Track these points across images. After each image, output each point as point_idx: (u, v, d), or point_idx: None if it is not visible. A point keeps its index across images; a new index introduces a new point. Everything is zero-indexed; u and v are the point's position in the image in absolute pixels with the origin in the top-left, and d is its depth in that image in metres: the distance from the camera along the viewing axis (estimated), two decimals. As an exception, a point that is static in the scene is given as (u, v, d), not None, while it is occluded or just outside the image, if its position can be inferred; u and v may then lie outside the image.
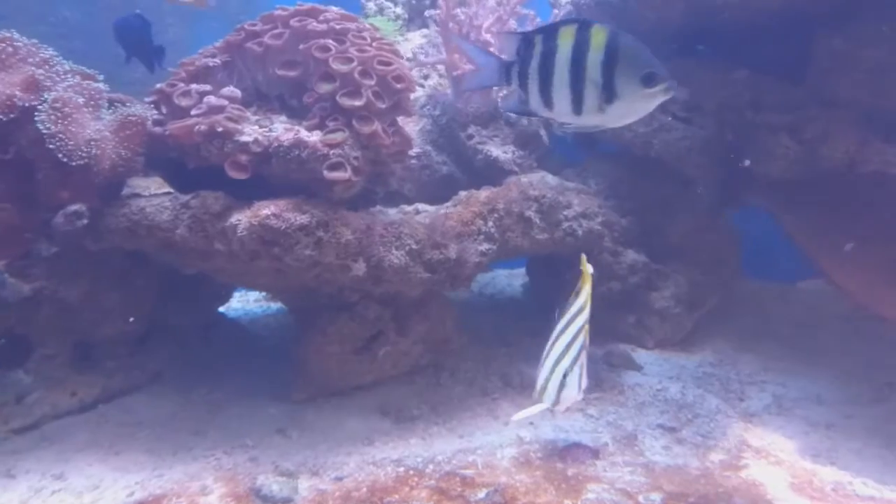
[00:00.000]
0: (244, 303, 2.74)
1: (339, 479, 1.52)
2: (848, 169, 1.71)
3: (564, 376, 1.31)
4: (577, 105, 1.17)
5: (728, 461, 1.59)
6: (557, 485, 1.50)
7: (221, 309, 2.48)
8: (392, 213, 1.85)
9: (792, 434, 1.70)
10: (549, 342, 1.35)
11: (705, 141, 1.95)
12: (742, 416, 1.79)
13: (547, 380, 1.32)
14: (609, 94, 1.13)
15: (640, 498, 1.46)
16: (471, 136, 2.05)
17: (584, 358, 1.36)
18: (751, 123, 1.88)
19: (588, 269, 1.41)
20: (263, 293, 2.54)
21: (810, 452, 1.61)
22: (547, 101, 1.20)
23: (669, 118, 2.01)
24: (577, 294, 1.39)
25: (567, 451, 1.64)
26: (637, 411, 1.84)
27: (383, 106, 1.57)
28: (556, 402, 1.33)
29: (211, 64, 1.65)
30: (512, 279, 2.88)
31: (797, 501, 1.42)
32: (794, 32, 1.86)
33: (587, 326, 1.36)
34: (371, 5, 2.51)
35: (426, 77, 2.33)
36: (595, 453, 1.64)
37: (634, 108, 1.17)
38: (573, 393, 1.33)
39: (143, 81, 2.09)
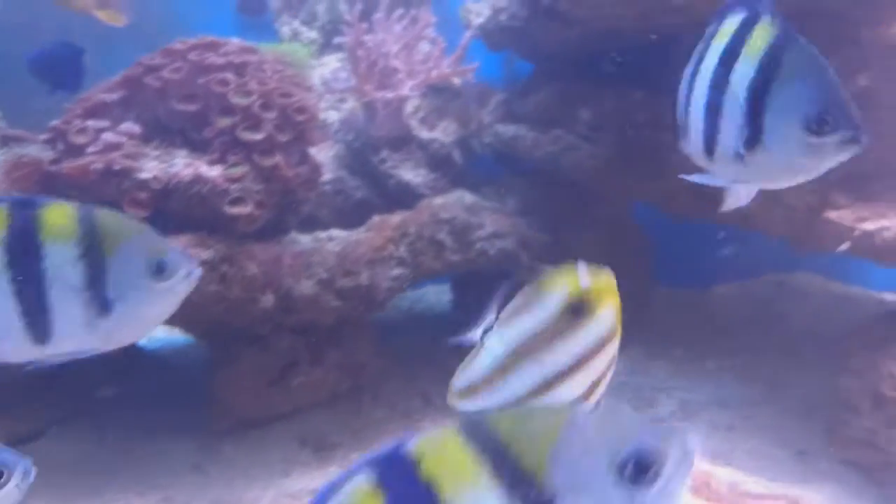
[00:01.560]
0: (169, 331, 2.68)
1: (254, 513, 1.52)
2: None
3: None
4: (710, 143, 0.82)
5: (636, 469, 1.66)
6: (471, 503, 1.54)
7: (142, 341, 2.43)
8: (305, 240, 1.86)
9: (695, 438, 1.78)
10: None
11: (608, 159, 2.03)
12: (650, 423, 1.87)
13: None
14: (752, 133, 0.76)
15: (550, 511, 1.51)
16: (383, 161, 2.08)
17: None
18: (649, 141, 1.97)
19: None
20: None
21: (710, 455, 1.69)
22: (684, 128, 0.86)
23: (574, 137, 2.08)
24: None
25: (483, 469, 1.68)
26: (554, 424, 1.90)
27: (285, 138, 1.59)
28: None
29: (108, 99, 1.63)
30: (441, 295, 2.91)
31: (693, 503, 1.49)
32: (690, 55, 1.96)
33: None
34: (285, 30, 2.52)
35: (342, 101, 2.35)
36: (511, 469, 1.68)
37: (791, 161, 0.77)
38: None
39: (55, 110, 2.05)
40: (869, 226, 1.52)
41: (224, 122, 1.55)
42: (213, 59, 1.61)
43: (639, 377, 2.13)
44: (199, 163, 1.54)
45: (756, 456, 1.67)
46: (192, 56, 1.62)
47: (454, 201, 2.12)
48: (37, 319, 0.81)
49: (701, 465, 1.66)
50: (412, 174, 2.06)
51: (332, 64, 2.42)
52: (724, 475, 1.61)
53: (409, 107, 2.31)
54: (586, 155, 2.07)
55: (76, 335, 0.83)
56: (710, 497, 1.52)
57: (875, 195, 1.61)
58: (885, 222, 1.51)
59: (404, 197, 2.05)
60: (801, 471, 1.61)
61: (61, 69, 2.33)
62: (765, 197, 1.77)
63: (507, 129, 2.28)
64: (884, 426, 1.44)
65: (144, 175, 1.50)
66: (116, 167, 1.49)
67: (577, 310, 0.71)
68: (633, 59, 2.06)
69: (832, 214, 1.59)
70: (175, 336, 2.64)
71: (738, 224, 1.92)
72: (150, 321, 0.89)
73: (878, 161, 1.65)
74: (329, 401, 1.92)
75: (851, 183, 1.65)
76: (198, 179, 1.50)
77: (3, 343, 0.82)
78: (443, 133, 2.32)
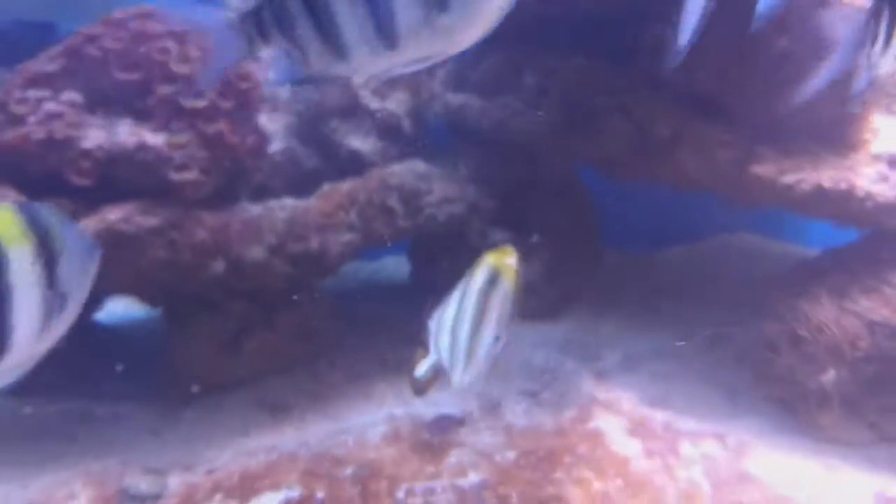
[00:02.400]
0: (128, 306, 2.69)
1: (211, 471, 1.57)
2: (672, 144, 1.89)
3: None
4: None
5: (578, 416, 1.75)
6: (422, 454, 1.61)
7: (101, 315, 2.44)
8: (256, 209, 1.89)
9: (635, 386, 1.88)
10: None
11: (552, 124, 2.09)
12: (595, 375, 1.96)
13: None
14: None
15: (497, 457, 1.59)
16: (333, 130, 2.11)
17: None
18: (590, 106, 2.04)
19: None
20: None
21: (648, 400, 1.79)
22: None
23: (520, 104, 2.14)
24: None
25: (435, 423, 1.75)
26: (503, 380, 1.97)
27: (229, 105, 1.61)
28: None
29: (49, 69, 1.63)
30: (400, 265, 2.96)
31: (630, 443, 1.59)
32: (628, 21, 2.03)
33: None
34: (234, 2, 2.50)
35: (293, 73, 2.36)
36: (461, 422, 1.76)
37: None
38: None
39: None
40: (789, 178, 1.62)
41: (166, 89, 1.57)
42: (153, 27, 1.62)
43: (587, 335, 2.23)
44: (142, 131, 1.55)
45: (691, 399, 1.78)
46: (133, 25, 1.63)
47: (406, 169, 2.17)
48: (383, 20, 0.83)
49: (639, 408, 1.76)
50: (361, 142, 2.10)
51: (281, 36, 2.43)
52: (659, 417, 1.71)
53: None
54: (531, 120, 2.13)
55: (420, 35, 0.85)
56: (646, 436, 1.62)
57: (796, 149, 1.71)
58: (803, 175, 1.61)
59: (355, 165, 2.09)
60: (730, 410, 1.73)
61: (18, 47, 2.29)
62: (696, 150, 1.87)
63: (457, 98, 2.33)
64: (800, 363, 1.55)
65: (87, 144, 1.51)
66: (59, 136, 1.50)
67: (493, 280, 1.11)
68: (578, 25, 2.12)
69: (757, 168, 1.68)
70: (133, 311, 2.66)
71: (672, 182, 2.01)
72: (486, 16, 0.87)
73: (799, 116, 1.75)
74: (286, 366, 1.97)
75: (775, 137, 1.74)
76: (142, 147, 1.52)
77: (357, 52, 0.86)
78: (394, 103, 2.35)
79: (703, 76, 1.85)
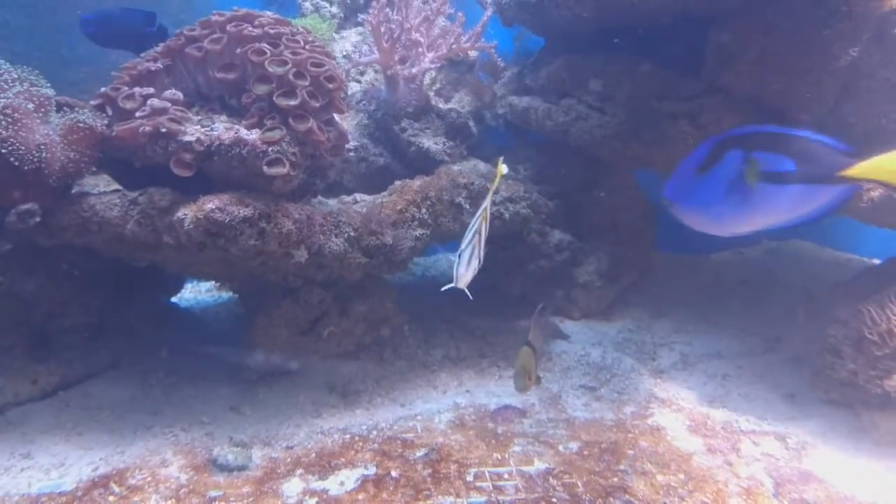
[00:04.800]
0: (196, 293, 2.84)
1: (290, 447, 1.67)
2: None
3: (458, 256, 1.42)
4: None
5: (638, 412, 1.81)
6: (488, 441, 1.69)
7: (174, 299, 2.58)
8: (332, 203, 1.99)
9: (693, 385, 1.92)
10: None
11: (617, 128, 2.14)
12: (652, 373, 2.01)
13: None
14: None
15: (560, 447, 1.66)
16: (404, 129, 2.20)
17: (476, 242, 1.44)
18: (655, 111, 2.09)
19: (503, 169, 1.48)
20: (215, 283, 2.65)
21: (707, 399, 1.84)
22: None
23: (585, 108, 2.20)
24: None
25: (498, 413, 1.83)
26: (562, 375, 2.04)
27: (317, 104, 1.71)
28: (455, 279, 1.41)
29: (153, 68, 1.75)
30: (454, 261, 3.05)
31: (691, 440, 1.64)
32: (691, 29, 2.07)
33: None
34: (307, 5, 2.62)
35: (362, 73, 2.47)
36: (523, 413, 1.83)
37: None
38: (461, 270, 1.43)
39: (87, 81, 2.16)
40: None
41: (262, 89, 1.67)
42: (249, 30, 1.72)
43: (643, 334, 2.28)
44: (238, 127, 1.66)
45: (749, 399, 1.82)
46: (230, 28, 1.74)
47: (470, 168, 2.25)
48: None
49: (698, 407, 1.81)
50: (431, 142, 2.18)
51: (352, 38, 2.53)
52: (718, 416, 1.76)
53: (427, 78, 2.43)
54: (595, 124, 2.18)
55: None
56: (706, 434, 1.67)
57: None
58: (872, 184, 1.63)
59: (424, 163, 2.17)
60: (789, 411, 1.76)
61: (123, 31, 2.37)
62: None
63: (521, 101, 2.40)
64: (865, 367, 1.58)
65: (188, 137, 1.62)
66: (163, 130, 1.61)
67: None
68: (642, 33, 2.17)
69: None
70: (203, 297, 2.80)
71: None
72: None
73: (873, 126, 1.77)
74: (354, 352, 2.07)
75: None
76: (238, 142, 1.62)
77: None
78: (458, 104, 2.44)
79: (771, 84, 1.89)
